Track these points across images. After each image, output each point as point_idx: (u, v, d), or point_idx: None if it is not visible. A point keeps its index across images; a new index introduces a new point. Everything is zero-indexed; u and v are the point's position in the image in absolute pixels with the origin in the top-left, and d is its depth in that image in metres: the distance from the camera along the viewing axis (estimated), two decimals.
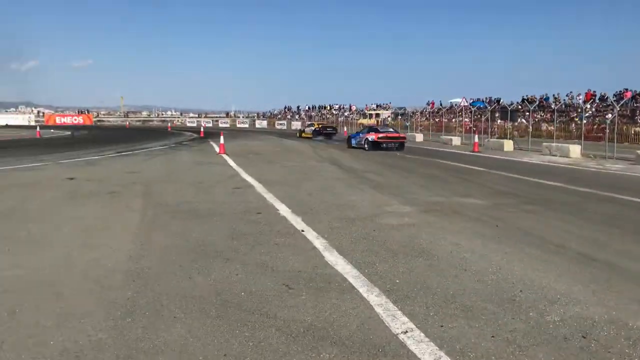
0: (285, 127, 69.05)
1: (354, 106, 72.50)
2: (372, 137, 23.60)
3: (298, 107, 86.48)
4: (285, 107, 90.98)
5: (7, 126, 72.39)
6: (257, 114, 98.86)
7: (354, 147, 24.72)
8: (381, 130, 25.13)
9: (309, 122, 53.26)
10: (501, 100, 43.51)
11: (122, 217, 7.38)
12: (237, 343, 3.29)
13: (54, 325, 3.53)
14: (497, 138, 29.00)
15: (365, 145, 23.51)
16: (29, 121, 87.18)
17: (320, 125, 40.82)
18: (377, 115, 64.14)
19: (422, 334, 3.43)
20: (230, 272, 4.77)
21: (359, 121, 59.54)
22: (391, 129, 27.25)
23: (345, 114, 65.33)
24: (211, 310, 3.83)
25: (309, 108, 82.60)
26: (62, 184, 10.84)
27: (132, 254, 5.33)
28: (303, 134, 39.90)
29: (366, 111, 66.27)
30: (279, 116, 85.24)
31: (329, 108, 78.23)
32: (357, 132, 28.09)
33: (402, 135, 25.76)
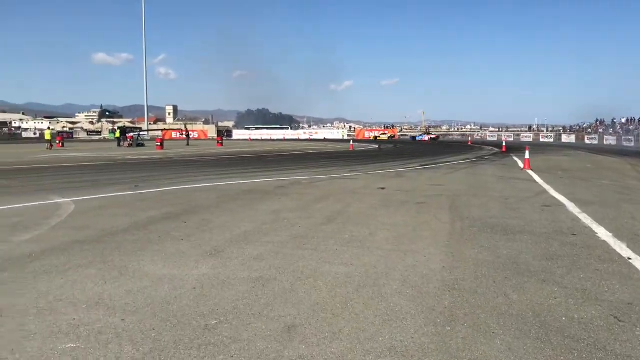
0: (596, 142, 62.88)
1: None
2: (432, 136, 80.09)
3: (613, 119, 77.76)
4: (596, 120, 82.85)
5: (325, 139, 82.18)
6: (563, 127, 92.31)
7: (417, 140, 72.44)
8: (431, 133, 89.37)
9: (383, 130, 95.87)
10: None
11: (431, 227, 7.64)
12: None
13: (380, 322, 3.84)
14: None
15: (428, 140, 73.90)
16: (342, 135, 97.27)
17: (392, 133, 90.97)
18: None
19: None
20: (548, 294, 4.52)
21: None
22: (434, 133, 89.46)
23: None
24: (530, 331, 3.69)
25: (627, 121, 73.50)
26: (375, 192, 11.77)
27: (445, 265, 5.48)
28: (378, 138, 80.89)
29: None
30: (589, 130, 78.00)
31: None
32: (418, 135, 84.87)
33: (438, 135, 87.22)
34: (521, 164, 20.80)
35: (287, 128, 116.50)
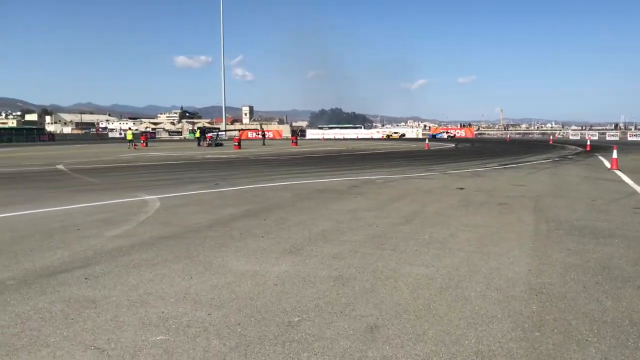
0: None
1: None
2: (451, 134, 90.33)
3: None
4: None
5: (401, 137, 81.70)
6: None
7: (437, 139, 74.36)
8: (449, 131, 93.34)
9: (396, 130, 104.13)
10: None
11: (514, 228, 7.39)
12: None
13: (465, 326, 3.74)
14: None
15: (447, 137, 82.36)
16: (416, 134, 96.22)
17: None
18: None
19: None
20: None
21: None
22: (452, 132, 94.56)
23: None
24: (628, 340, 3.48)
25: None
26: (454, 193, 11.53)
27: (531, 268, 5.27)
28: (391, 137, 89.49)
29: None
30: None
31: None
32: (437, 133, 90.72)
33: (455, 134, 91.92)
34: (608, 164, 19.78)
35: (360, 127, 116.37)
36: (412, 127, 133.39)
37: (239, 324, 3.78)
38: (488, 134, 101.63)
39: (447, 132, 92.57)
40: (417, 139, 78.43)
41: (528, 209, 9.20)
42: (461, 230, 7.24)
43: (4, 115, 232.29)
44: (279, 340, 3.50)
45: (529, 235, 6.95)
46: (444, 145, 49.45)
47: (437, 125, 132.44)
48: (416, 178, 15.21)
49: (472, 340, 3.49)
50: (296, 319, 3.88)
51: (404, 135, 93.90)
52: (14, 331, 3.65)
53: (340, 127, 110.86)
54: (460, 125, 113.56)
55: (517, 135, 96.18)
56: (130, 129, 69.56)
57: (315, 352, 3.32)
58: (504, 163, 21.96)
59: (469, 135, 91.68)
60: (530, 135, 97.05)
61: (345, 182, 14.01)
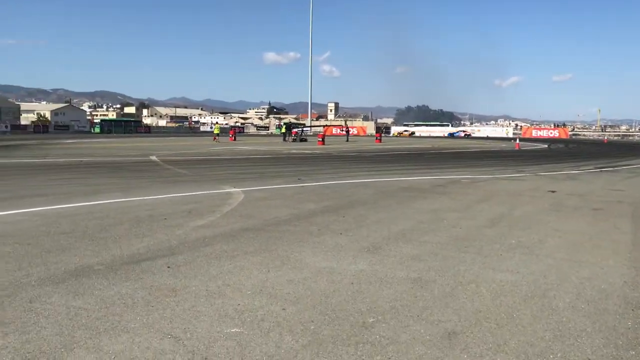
0: None
1: None
2: (468, 133, 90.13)
3: None
4: None
5: (487, 138, 79.22)
6: None
7: (454, 137, 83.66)
8: (467, 130, 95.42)
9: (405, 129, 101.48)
10: None
11: (610, 236, 6.90)
12: None
13: (551, 338, 3.50)
14: None
15: (464, 136, 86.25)
16: (506, 133, 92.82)
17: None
18: None
19: None
20: None
21: None
22: (468, 131, 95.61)
23: None
24: None
25: None
26: (544, 195, 10.97)
27: (627, 280, 4.88)
28: (402, 134, 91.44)
29: None
30: None
31: None
32: (456, 132, 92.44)
33: (471, 132, 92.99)
34: None
35: (448, 125, 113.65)
36: (502, 126, 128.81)
37: (312, 321, 3.75)
38: (583, 135, 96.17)
39: (464, 132, 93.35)
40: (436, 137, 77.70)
41: (626, 215, 8.59)
42: (551, 236, 6.85)
43: (104, 107, 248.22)
44: (352, 341, 3.42)
45: (626, 244, 6.47)
46: (535, 145, 47.36)
47: (528, 125, 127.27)
48: (505, 179, 14.64)
49: (558, 355, 3.25)
50: (371, 320, 3.80)
51: (413, 133, 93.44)
52: (97, 315, 3.81)
53: (427, 125, 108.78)
54: (554, 125, 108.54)
55: (615, 137, 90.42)
56: (217, 123, 72.79)
57: (389, 357, 3.21)
58: (600, 166, 20.70)
59: (563, 136, 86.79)
60: (631, 138, 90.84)
61: (430, 181, 13.72)
